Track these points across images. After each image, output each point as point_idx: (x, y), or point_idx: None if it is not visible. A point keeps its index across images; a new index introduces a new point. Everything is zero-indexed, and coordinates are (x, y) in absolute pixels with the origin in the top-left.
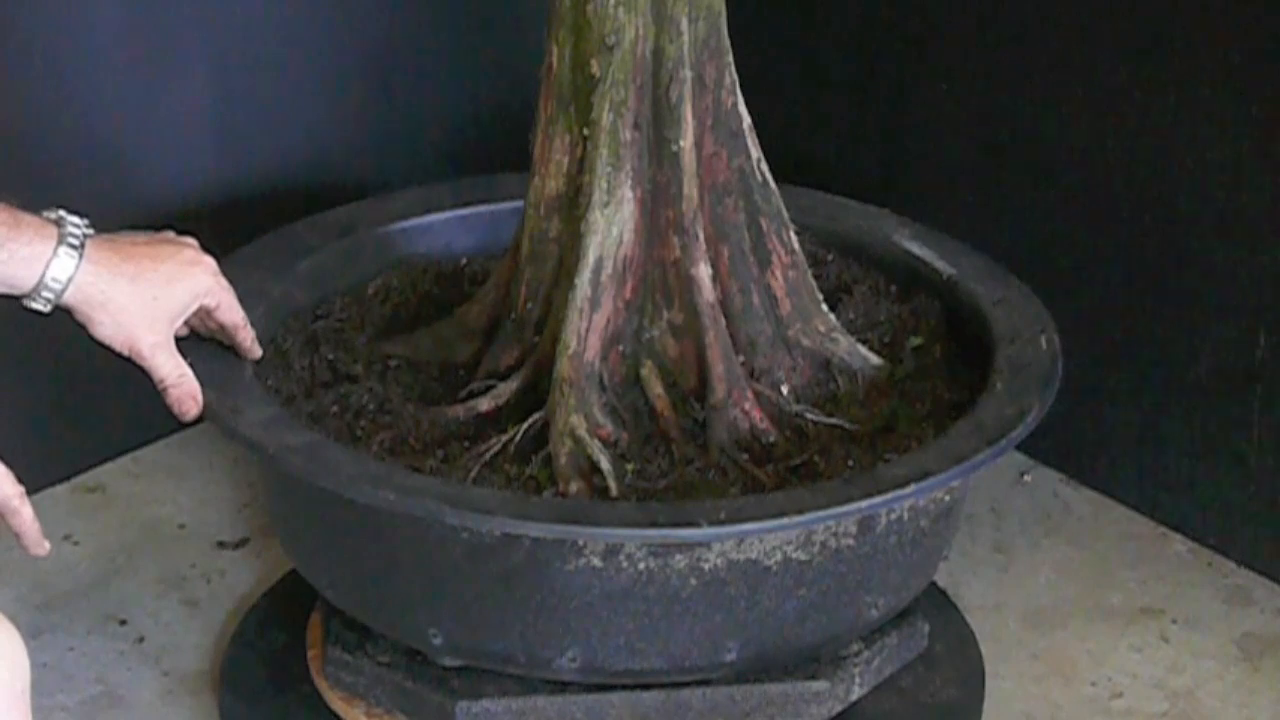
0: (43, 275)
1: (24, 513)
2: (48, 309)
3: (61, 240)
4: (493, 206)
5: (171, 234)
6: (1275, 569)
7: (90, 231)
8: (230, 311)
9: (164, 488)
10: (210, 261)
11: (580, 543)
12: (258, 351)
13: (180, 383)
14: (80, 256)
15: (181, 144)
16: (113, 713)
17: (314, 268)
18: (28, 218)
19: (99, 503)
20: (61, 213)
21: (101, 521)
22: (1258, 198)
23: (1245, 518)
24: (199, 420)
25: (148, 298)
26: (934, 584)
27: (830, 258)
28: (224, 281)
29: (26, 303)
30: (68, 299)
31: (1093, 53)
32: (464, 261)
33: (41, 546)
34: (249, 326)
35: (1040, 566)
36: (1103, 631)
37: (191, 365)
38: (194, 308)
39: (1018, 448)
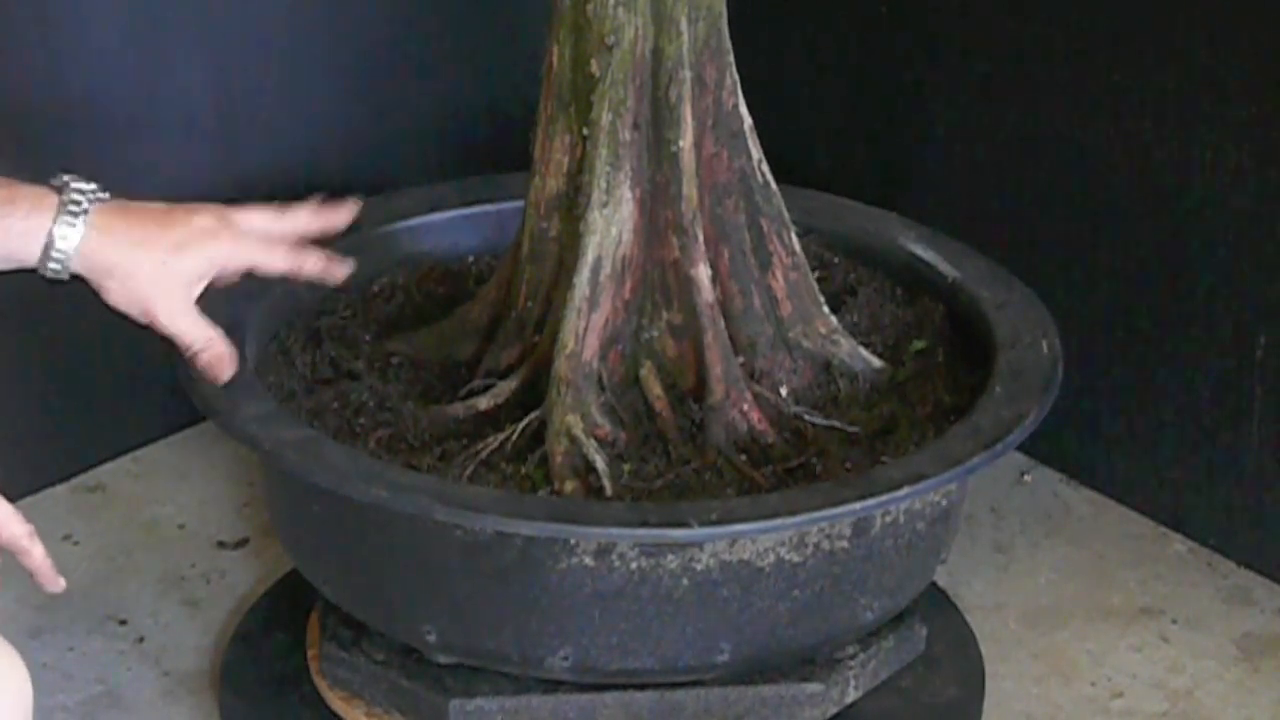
0: (45, 247)
1: (35, 551)
2: (64, 278)
3: (61, 209)
4: (498, 205)
5: (193, 205)
6: (1275, 569)
7: (102, 196)
8: (276, 262)
9: (164, 488)
10: (231, 227)
11: (572, 542)
12: (339, 274)
13: (209, 345)
14: (83, 224)
15: (181, 143)
16: (113, 713)
17: None
18: (25, 190)
19: (99, 503)
20: (66, 178)
21: (101, 521)
22: (1258, 198)
23: (1245, 518)
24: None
25: (156, 262)
26: (934, 584)
27: (836, 260)
28: (251, 241)
29: (42, 275)
30: (75, 268)
31: (1093, 54)
32: (469, 260)
33: (57, 584)
34: (309, 264)
35: (1040, 566)
36: (1103, 631)
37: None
38: (213, 273)
39: (1018, 448)
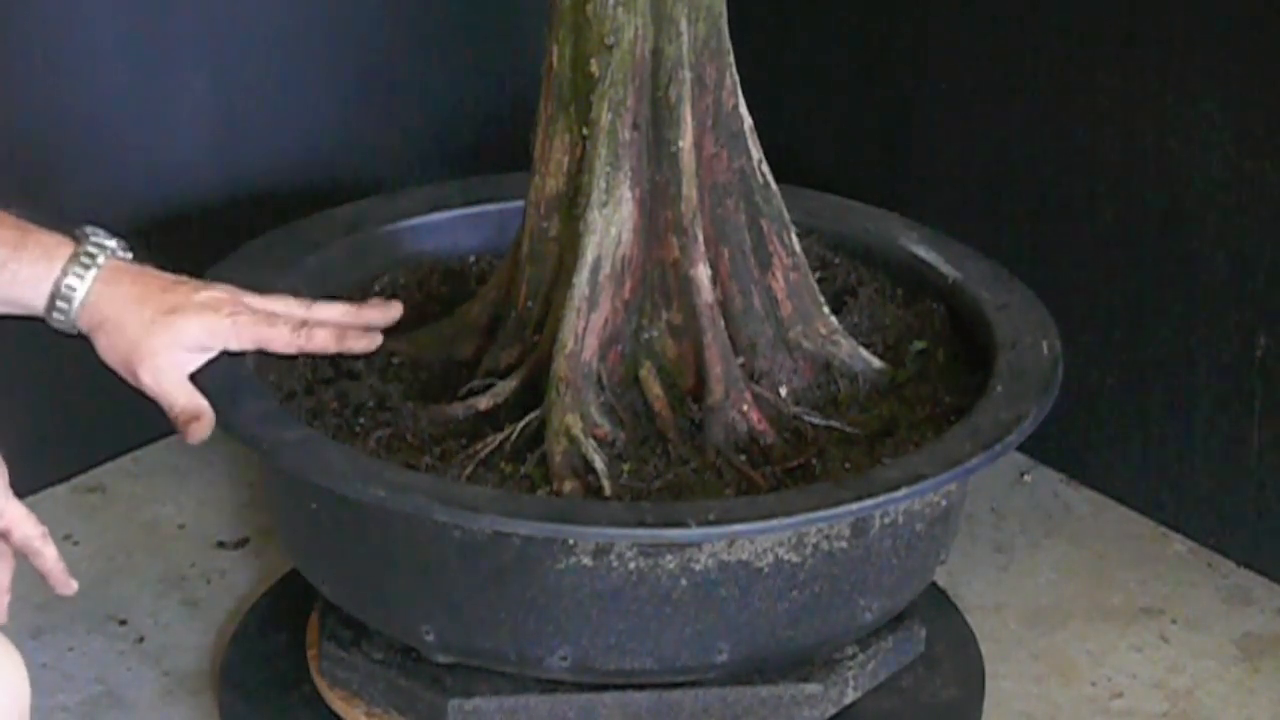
0: (51, 296)
1: (47, 553)
2: (72, 331)
3: (73, 260)
4: (501, 205)
5: (209, 283)
6: (1275, 569)
7: (123, 255)
8: (278, 340)
9: (164, 488)
10: (237, 305)
11: (570, 542)
12: (357, 347)
13: (184, 412)
14: (91, 278)
15: (181, 144)
16: (113, 713)
17: (320, 264)
18: (38, 236)
19: (99, 503)
20: (89, 229)
21: (101, 521)
22: (1257, 198)
23: (1245, 518)
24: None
25: (145, 321)
26: (934, 584)
27: (837, 260)
28: (255, 320)
29: (49, 324)
30: (79, 322)
31: (1094, 54)
32: (471, 260)
33: (69, 586)
34: (317, 340)
35: (1040, 566)
36: (1103, 631)
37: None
38: (205, 344)
39: (1018, 448)
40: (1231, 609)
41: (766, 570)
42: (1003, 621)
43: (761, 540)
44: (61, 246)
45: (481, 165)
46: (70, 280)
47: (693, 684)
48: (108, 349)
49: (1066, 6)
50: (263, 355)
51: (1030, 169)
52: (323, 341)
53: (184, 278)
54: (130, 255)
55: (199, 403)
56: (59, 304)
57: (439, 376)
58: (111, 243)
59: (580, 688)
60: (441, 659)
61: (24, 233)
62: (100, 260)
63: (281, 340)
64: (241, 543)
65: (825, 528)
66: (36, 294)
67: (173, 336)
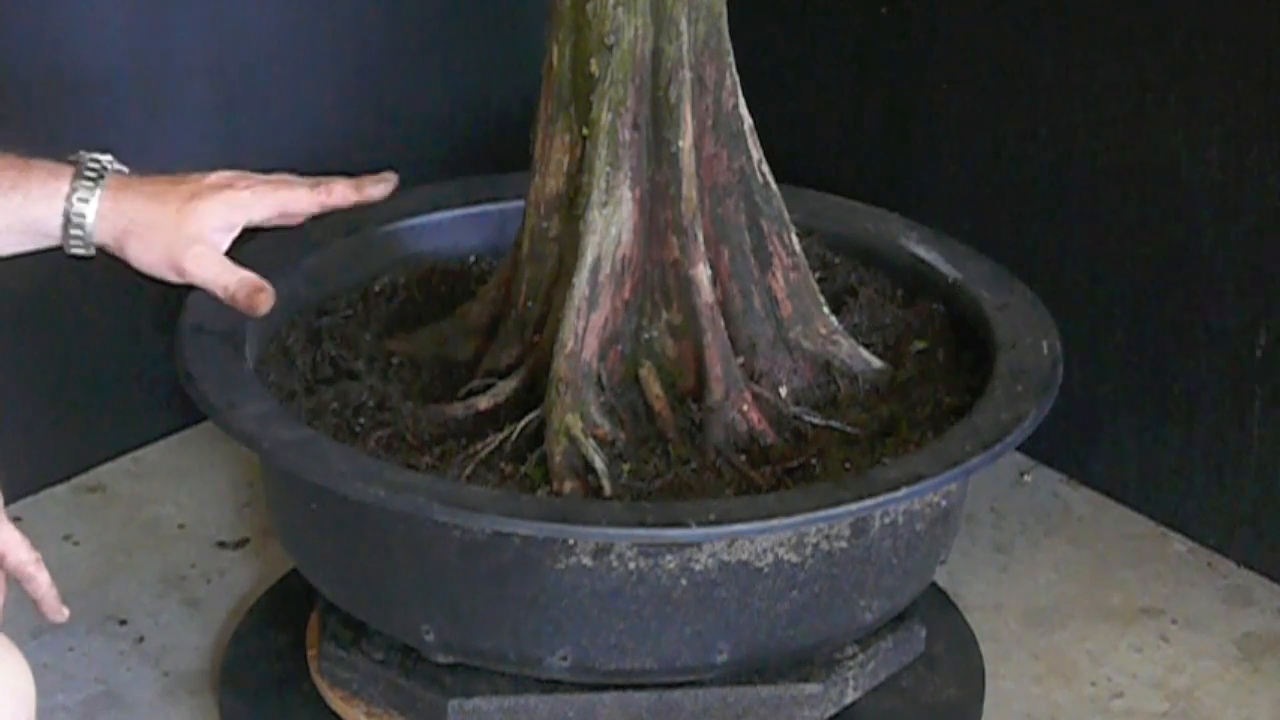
0: (65, 212)
1: (40, 579)
2: (89, 250)
3: (78, 175)
4: (501, 205)
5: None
6: (1275, 569)
7: (120, 168)
8: (300, 200)
9: (164, 488)
10: (247, 177)
11: (570, 542)
12: (377, 193)
13: (242, 285)
14: (99, 187)
15: (181, 144)
16: (113, 713)
17: (320, 264)
18: (39, 162)
19: (99, 503)
20: (82, 153)
21: (101, 521)
22: (1258, 198)
23: (1245, 518)
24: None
25: (170, 211)
26: (934, 584)
27: (837, 260)
28: (270, 185)
29: (67, 249)
30: (97, 236)
31: (1094, 55)
32: (471, 260)
33: (61, 613)
34: (337, 193)
35: (1040, 566)
36: (1103, 631)
37: (191, 359)
38: (232, 220)
39: (1018, 448)
40: (1231, 609)
41: (766, 570)
42: (1003, 621)
43: (761, 540)
44: (61, 167)
45: (481, 165)
46: (81, 193)
47: (693, 684)
48: (143, 252)
49: (1067, 6)
50: (263, 357)
51: (1031, 169)
52: (342, 194)
53: (184, 175)
54: (126, 170)
55: (249, 276)
56: (75, 218)
57: (439, 376)
58: (106, 157)
59: (580, 688)
60: (441, 659)
61: (27, 161)
62: (103, 173)
63: (302, 199)
64: (241, 543)
65: (825, 528)
66: (50, 211)
67: (203, 221)
